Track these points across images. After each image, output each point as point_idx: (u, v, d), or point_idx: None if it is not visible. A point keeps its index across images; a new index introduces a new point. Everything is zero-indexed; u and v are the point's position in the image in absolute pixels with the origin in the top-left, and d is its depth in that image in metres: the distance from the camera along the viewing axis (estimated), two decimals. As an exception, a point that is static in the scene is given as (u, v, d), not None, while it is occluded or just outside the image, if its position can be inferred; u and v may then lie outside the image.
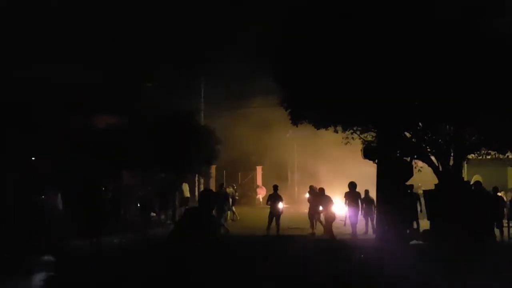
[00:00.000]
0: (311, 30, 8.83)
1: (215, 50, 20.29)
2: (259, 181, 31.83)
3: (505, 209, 13.78)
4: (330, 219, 14.03)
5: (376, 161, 11.67)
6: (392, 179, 10.59)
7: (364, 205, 14.73)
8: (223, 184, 18.88)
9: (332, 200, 14.32)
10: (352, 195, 14.33)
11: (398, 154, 10.80)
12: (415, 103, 8.98)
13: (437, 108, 9.08)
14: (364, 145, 12.04)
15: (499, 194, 13.72)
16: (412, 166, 11.55)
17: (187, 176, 19.99)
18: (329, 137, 14.75)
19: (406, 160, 11.21)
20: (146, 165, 17.10)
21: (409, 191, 13.75)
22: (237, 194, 17.46)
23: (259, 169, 32.26)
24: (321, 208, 14.33)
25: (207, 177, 22.27)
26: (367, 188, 14.96)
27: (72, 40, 17.26)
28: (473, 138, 11.49)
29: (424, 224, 13.24)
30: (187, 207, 13.28)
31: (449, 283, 7.46)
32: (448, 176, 11.96)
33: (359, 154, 14.55)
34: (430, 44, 8.30)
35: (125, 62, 17.72)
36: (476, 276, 7.61)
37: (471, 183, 13.20)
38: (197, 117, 18.55)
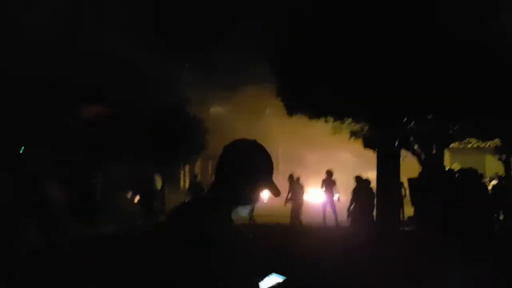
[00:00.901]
0: (309, 29, 9.14)
1: (208, 38, 20.14)
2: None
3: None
4: (297, 206, 14.34)
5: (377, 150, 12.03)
6: (388, 168, 10.99)
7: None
8: (196, 175, 18.62)
9: (302, 189, 14.67)
10: (328, 183, 14.93)
11: (396, 144, 11.19)
12: (404, 98, 9.35)
13: (424, 103, 9.50)
14: (365, 135, 12.44)
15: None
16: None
17: (176, 167, 20.09)
18: (315, 126, 15.09)
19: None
20: (134, 156, 17.19)
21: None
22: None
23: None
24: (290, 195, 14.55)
25: (194, 166, 22.35)
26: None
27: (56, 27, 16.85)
28: (456, 128, 12.03)
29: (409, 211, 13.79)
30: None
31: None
32: (431, 164, 12.48)
33: (345, 143, 14.92)
34: (420, 44, 8.66)
35: (110, 50, 17.35)
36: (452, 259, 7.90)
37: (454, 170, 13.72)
38: (185, 107, 18.57)
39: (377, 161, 11.42)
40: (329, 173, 15.09)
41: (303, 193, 14.59)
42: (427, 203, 12.14)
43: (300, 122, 15.63)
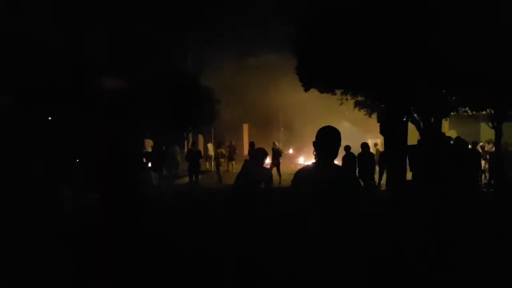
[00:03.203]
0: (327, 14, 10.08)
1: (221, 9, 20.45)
2: (245, 138, 33.06)
3: (482, 162, 15.48)
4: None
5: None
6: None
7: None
8: (195, 142, 18.98)
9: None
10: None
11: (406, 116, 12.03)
12: (404, 73, 10.27)
13: (421, 74, 10.46)
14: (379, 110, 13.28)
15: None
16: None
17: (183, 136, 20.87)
18: (312, 96, 15.96)
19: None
20: (148, 124, 17.94)
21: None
22: (237, 150, 18.49)
23: (245, 127, 33.45)
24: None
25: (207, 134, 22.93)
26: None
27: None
28: (453, 98, 13.00)
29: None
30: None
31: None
32: (429, 132, 13.46)
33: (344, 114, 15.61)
34: (418, 19, 9.53)
35: (122, 18, 17.64)
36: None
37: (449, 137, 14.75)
38: (197, 77, 19.13)
39: (382, 130, 12.33)
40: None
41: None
42: (425, 169, 13.14)
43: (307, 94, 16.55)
